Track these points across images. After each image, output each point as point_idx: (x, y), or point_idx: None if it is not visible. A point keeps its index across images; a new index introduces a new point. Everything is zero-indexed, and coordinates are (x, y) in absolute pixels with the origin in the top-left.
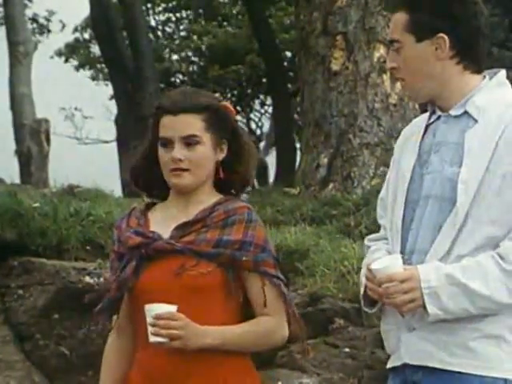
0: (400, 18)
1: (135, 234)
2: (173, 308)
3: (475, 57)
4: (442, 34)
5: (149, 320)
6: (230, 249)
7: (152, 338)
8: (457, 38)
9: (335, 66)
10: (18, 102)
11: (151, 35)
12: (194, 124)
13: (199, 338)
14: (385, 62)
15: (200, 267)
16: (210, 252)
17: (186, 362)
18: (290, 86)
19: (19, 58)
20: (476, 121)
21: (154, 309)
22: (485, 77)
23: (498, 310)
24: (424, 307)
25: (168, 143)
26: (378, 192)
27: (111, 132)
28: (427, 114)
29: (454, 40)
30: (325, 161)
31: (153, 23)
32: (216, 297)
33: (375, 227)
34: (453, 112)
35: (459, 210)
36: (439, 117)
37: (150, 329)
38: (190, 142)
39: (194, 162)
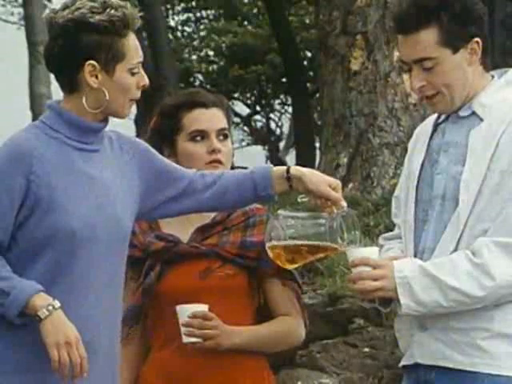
0: (429, 34)
1: (157, 238)
2: (205, 308)
3: (488, 53)
4: (476, 39)
5: (182, 320)
6: (255, 253)
7: (185, 339)
8: (483, 38)
9: (355, 66)
10: (38, 102)
11: (171, 35)
12: (223, 118)
13: (230, 338)
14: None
15: (226, 269)
16: (236, 260)
17: (205, 362)
18: (309, 85)
19: (39, 58)
20: (482, 120)
21: (186, 309)
22: (493, 76)
23: (469, 303)
24: (397, 299)
25: (204, 136)
26: None
27: (131, 131)
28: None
29: (482, 41)
30: (344, 160)
31: (172, 23)
32: (241, 298)
33: (395, 227)
34: (461, 113)
35: (462, 208)
36: (448, 117)
37: (183, 329)
38: (224, 134)
39: (226, 155)
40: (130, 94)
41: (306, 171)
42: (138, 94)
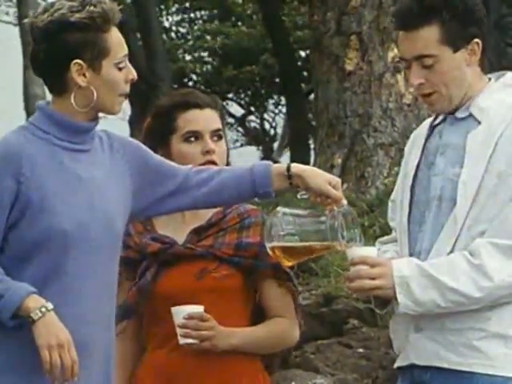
0: (431, 32)
1: (152, 239)
2: (200, 309)
3: (486, 53)
4: (476, 40)
5: (177, 322)
6: (251, 254)
7: (182, 340)
8: (482, 40)
9: (349, 66)
10: (32, 102)
11: (165, 36)
12: (217, 119)
13: (226, 340)
14: (399, 61)
15: (222, 270)
16: (233, 259)
17: (201, 363)
18: (304, 85)
19: None
20: (479, 122)
21: (182, 311)
22: (490, 79)
23: (467, 304)
24: (395, 298)
25: (198, 136)
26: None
27: (125, 132)
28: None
29: (482, 42)
30: (339, 161)
31: (166, 24)
32: (236, 299)
33: (389, 228)
34: (458, 114)
35: (459, 210)
36: (445, 118)
37: (179, 331)
38: (218, 135)
39: (220, 156)
40: (119, 89)
41: (306, 168)
42: (127, 89)
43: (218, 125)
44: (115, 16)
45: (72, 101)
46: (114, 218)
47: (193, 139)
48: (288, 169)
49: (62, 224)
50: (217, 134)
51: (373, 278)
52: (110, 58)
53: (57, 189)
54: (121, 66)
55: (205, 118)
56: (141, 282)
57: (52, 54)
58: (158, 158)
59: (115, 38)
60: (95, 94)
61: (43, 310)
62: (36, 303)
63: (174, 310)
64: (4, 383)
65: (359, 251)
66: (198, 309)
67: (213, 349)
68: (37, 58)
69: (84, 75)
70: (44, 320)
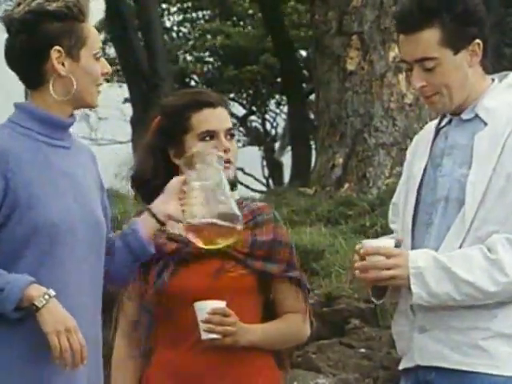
0: (431, 34)
1: (169, 239)
2: (223, 304)
3: (488, 54)
4: (477, 40)
5: (201, 317)
6: (264, 251)
7: (205, 335)
8: (484, 40)
9: (350, 66)
10: None
11: (166, 36)
12: (228, 117)
13: (246, 336)
14: (400, 61)
15: (238, 268)
16: (246, 261)
17: (218, 361)
18: (305, 85)
19: None
20: (485, 123)
21: (205, 306)
22: (493, 80)
23: (482, 298)
24: (409, 288)
25: (214, 136)
26: (394, 192)
27: (125, 133)
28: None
29: (483, 42)
30: (340, 161)
31: (167, 24)
32: (251, 297)
33: (390, 228)
34: (464, 116)
35: (467, 211)
36: (450, 120)
37: (202, 326)
38: (231, 133)
39: (234, 154)
40: (97, 79)
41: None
42: (102, 81)
43: (230, 123)
44: (87, 7)
45: (50, 90)
46: (97, 215)
47: (208, 138)
48: (149, 209)
49: (52, 219)
50: (230, 133)
51: (388, 269)
52: (88, 48)
53: (44, 184)
54: (98, 56)
55: (218, 117)
56: (158, 282)
57: (31, 43)
58: (107, 201)
59: (91, 29)
60: (75, 83)
61: (46, 296)
62: (38, 291)
63: (197, 305)
64: (5, 377)
65: (375, 242)
66: (220, 304)
67: (234, 344)
68: (13, 50)
69: (63, 64)
70: (48, 307)
